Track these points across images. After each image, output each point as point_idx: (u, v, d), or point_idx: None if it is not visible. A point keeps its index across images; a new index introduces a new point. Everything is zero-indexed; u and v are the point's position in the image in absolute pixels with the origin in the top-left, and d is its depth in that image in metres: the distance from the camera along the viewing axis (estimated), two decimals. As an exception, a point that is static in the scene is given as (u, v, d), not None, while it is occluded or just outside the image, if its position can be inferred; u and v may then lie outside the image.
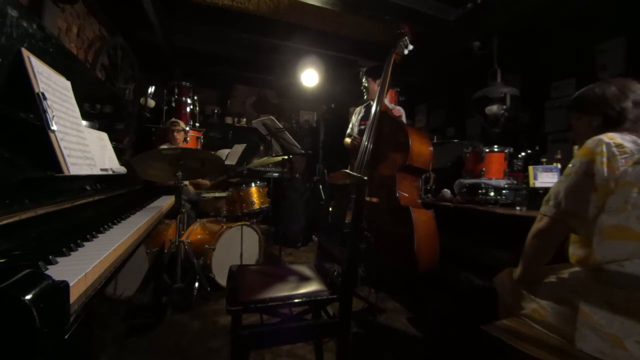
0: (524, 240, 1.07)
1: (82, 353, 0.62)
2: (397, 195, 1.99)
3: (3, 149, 0.71)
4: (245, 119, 5.18)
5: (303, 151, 2.98)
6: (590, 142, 0.95)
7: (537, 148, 2.55)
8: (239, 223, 2.57)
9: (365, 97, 2.57)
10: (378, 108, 2.15)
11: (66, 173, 0.83)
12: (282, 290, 1.14)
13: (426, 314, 2.17)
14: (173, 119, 3.02)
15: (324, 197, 3.95)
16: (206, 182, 3.16)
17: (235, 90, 5.42)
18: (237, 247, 2.54)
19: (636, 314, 0.81)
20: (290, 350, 1.68)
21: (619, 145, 0.90)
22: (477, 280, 1.93)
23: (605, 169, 0.89)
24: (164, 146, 2.88)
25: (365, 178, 1.12)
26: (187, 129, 3.14)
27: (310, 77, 4.19)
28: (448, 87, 4.06)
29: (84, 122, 1.12)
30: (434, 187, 2.76)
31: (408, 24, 2.25)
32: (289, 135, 2.71)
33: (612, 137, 0.92)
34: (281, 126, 2.69)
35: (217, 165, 2.22)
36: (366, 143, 2.12)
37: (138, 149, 3.55)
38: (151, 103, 3.70)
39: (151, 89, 3.70)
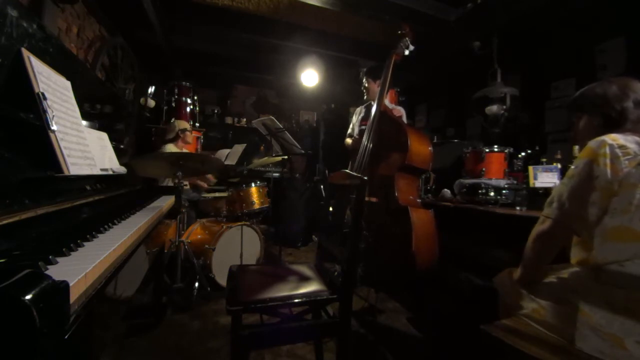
0: (524, 240, 1.07)
1: (82, 353, 0.62)
2: (396, 195, 1.99)
3: (3, 149, 0.71)
4: (245, 119, 5.18)
5: (303, 151, 2.98)
6: (592, 143, 0.94)
7: (537, 148, 2.55)
8: (239, 223, 2.57)
9: (365, 97, 2.57)
10: (378, 108, 2.15)
11: (66, 173, 0.83)
12: (282, 290, 1.14)
13: (426, 314, 2.17)
14: (181, 128, 3.00)
15: (324, 197, 3.95)
16: (206, 182, 3.16)
17: (235, 90, 5.43)
18: (237, 247, 2.54)
19: (636, 314, 0.81)
20: (290, 350, 1.68)
21: (621, 147, 0.90)
22: (477, 280, 1.93)
23: (608, 170, 0.89)
24: (173, 148, 2.90)
25: (366, 178, 1.12)
26: (189, 129, 3.14)
27: (310, 77, 4.19)
28: (448, 87, 4.06)
29: (84, 122, 1.12)
30: (434, 187, 2.76)
31: (408, 24, 2.25)
32: (289, 135, 2.71)
33: (614, 139, 0.92)
34: (281, 126, 2.69)
35: (216, 167, 2.23)
36: (366, 143, 2.12)
37: (138, 149, 3.56)
38: (151, 103, 3.70)
39: (151, 89, 3.70)
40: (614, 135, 0.93)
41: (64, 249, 0.63)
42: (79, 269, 0.56)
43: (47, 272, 0.49)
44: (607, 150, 0.90)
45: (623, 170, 0.88)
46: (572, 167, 0.99)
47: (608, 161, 0.89)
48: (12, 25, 0.82)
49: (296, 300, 1.11)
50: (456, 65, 3.74)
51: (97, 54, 2.90)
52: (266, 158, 3.05)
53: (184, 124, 3.07)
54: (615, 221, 0.88)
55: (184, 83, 3.81)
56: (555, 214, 0.97)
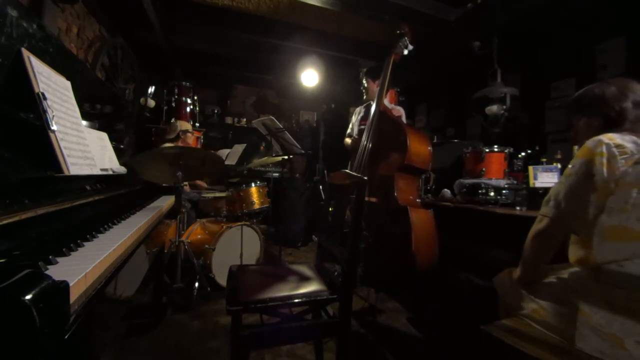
0: (524, 240, 1.07)
1: (82, 353, 0.62)
2: (396, 195, 1.99)
3: (3, 149, 0.71)
4: (245, 119, 5.18)
5: (303, 151, 2.98)
6: (589, 143, 0.95)
7: (537, 148, 2.55)
8: (239, 223, 2.57)
9: (364, 97, 2.58)
10: (377, 108, 2.16)
11: (66, 173, 0.83)
12: (282, 290, 1.14)
13: (426, 314, 2.17)
14: (183, 129, 3.00)
15: (323, 197, 3.95)
16: (204, 183, 3.16)
17: (235, 90, 5.43)
18: (237, 247, 2.54)
19: (636, 314, 0.81)
20: (290, 350, 1.68)
21: (618, 146, 0.90)
22: (477, 280, 1.93)
23: (605, 169, 0.89)
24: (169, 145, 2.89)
25: (365, 178, 1.12)
26: (191, 130, 3.13)
27: (310, 77, 4.19)
28: (448, 87, 4.06)
29: (84, 122, 1.12)
30: (434, 187, 2.76)
31: (408, 24, 2.25)
32: (289, 135, 2.71)
33: (611, 138, 0.92)
34: (281, 126, 2.69)
35: (217, 165, 2.22)
36: (365, 143, 2.12)
37: (138, 149, 3.55)
38: (151, 103, 3.70)
39: (151, 89, 3.70)
40: (611, 135, 0.93)
41: (64, 249, 0.63)
42: (79, 269, 0.56)
43: (47, 272, 0.49)
44: (604, 149, 0.90)
45: (620, 169, 0.88)
46: (570, 166, 0.99)
47: (605, 160, 0.89)
48: (12, 25, 0.82)
49: (296, 300, 1.11)
50: (456, 65, 3.73)
51: (97, 54, 2.90)
52: (266, 158, 3.05)
53: (186, 125, 3.07)
54: (613, 220, 0.88)
55: (184, 83, 3.81)
56: (552, 213, 0.98)
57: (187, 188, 2.97)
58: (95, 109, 1.54)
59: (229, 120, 5.13)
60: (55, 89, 0.93)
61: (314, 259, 3.45)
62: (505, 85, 2.81)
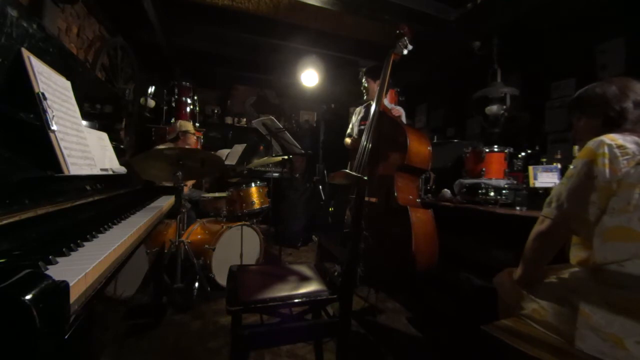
0: (524, 240, 1.07)
1: (82, 353, 0.62)
2: (396, 195, 1.99)
3: (3, 149, 0.71)
4: (245, 119, 5.19)
5: (303, 151, 2.99)
6: (591, 144, 0.95)
7: (537, 148, 2.55)
8: (239, 223, 2.57)
9: (365, 97, 2.58)
10: (377, 108, 2.16)
11: (66, 173, 0.83)
12: (282, 290, 1.14)
13: (426, 314, 2.17)
14: (182, 129, 2.97)
15: (323, 197, 3.95)
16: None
17: (235, 90, 5.43)
18: (237, 247, 2.54)
19: (636, 314, 0.81)
20: (290, 350, 1.68)
21: (620, 147, 0.90)
22: (477, 280, 1.93)
23: (607, 170, 0.89)
24: (169, 145, 2.88)
25: (365, 178, 1.12)
26: (192, 131, 3.09)
27: (310, 77, 4.19)
28: (448, 87, 4.06)
29: (84, 122, 1.12)
30: (434, 187, 2.76)
31: (408, 24, 2.25)
32: (289, 135, 2.71)
33: (613, 139, 0.92)
34: (281, 126, 2.70)
35: (216, 166, 2.22)
36: (365, 143, 2.12)
37: (138, 149, 3.56)
38: (151, 103, 3.70)
39: (151, 89, 3.70)
40: (612, 136, 0.93)
41: (64, 249, 0.63)
42: (79, 269, 0.55)
43: (47, 272, 0.49)
44: (606, 150, 0.90)
45: (621, 170, 0.88)
46: (571, 167, 0.99)
47: (607, 161, 0.89)
48: (12, 25, 0.82)
49: (296, 300, 1.11)
50: (456, 65, 3.74)
51: (97, 54, 2.90)
52: (266, 158, 3.05)
53: (187, 125, 3.02)
54: (614, 221, 0.88)
55: (184, 83, 3.81)
56: (554, 214, 0.97)
57: (185, 189, 2.96)
58: (95, 109, 1.53)
59: (229, 120, 5.13)
60: (55, 89, 0.93)
61: (314, 259, 3.45)
62: (505, 85, 2.81)
